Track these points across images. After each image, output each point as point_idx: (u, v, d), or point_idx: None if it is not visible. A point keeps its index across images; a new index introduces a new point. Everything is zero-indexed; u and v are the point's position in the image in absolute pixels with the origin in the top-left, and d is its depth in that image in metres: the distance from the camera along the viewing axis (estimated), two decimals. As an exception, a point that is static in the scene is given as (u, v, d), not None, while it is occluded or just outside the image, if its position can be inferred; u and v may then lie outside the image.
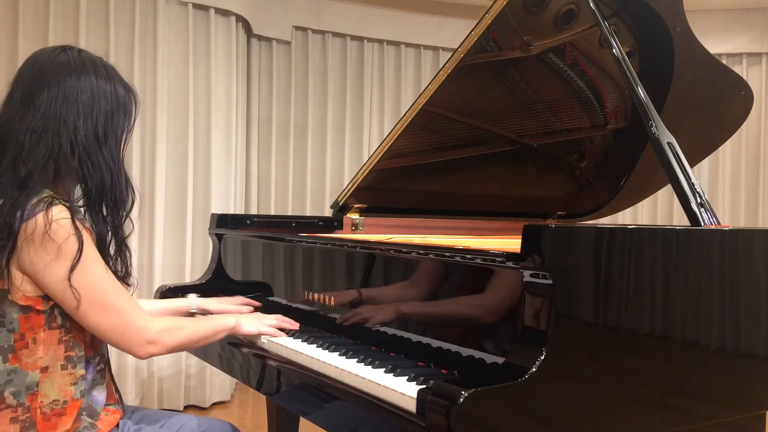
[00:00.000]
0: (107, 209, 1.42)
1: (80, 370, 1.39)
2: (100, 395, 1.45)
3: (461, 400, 1.07)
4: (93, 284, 1.35)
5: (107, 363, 1.50)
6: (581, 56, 2.24)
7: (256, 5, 4.18)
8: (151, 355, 1.45)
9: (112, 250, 1.45)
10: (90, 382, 1.42)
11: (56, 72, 1.38)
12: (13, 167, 1.34)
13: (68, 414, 1.37)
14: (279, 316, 1.80)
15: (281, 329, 1.77)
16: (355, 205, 2.41)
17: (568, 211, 2.81)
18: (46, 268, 1.31)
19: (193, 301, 1.93)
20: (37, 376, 1.35)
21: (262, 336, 1.75)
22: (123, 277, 1.46)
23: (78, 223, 1.34)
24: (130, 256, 1.50)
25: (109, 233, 1.43)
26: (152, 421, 1.58)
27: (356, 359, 1.47)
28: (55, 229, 1.30)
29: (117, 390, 1.52)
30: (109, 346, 1.49)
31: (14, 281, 1.31)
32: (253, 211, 4.33)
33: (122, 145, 1.47)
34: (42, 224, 1.29)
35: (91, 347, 1.43)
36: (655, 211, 4.95)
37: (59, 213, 1.32)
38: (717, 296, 1.44)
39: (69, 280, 1.31)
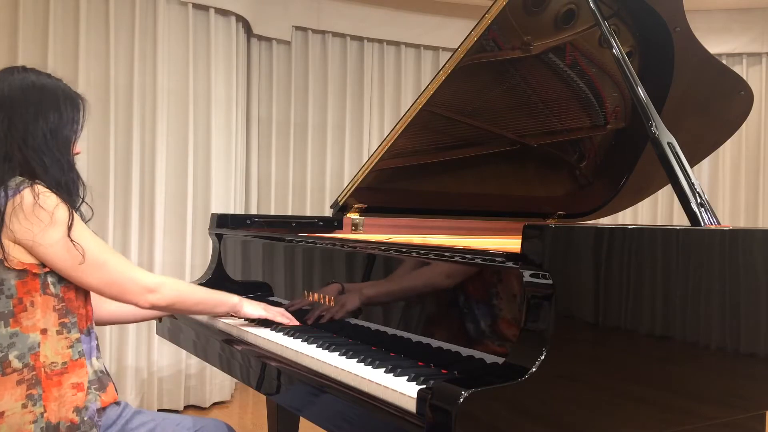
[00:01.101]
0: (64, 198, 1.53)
1: (75, 334, 1.48)
2: (102, 366, 1.54)
3: (461, 400, 1.07)
4: (86, 244, 1.47)
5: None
6: (581, 56, 2.24)
7: (256, 5, 4.17)
8: (153, 305, 1.56)
9: None
10: (92, 350, 1.51)
11: (2, 90, 1.49)
12: None
13: (70, 371, 1.45)
14: (281, 310, 1.86)
15: (279, 323, 1.83)
16: (355, 205, 2.41)
17: (568, 211, 2.81)
18: (41, 233, 1.42)
19: None
20: (38, 338, 1.43)
21: (262, 334, 1.75)
22: None
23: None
24: None
25: None
26: (148, 420, 1.59)
27: (356, 359, 1.47)
28: (44, 199, 1.43)
29: (108, 373, 1.57)
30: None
31: (9, 251, 1.42)
32: (253, 211, 4.33)
33: (72, 145, 1.58)
34: (31, 197, 1.42)
35: (85, 319, 1.52)
36: (655, 211, 4.94)
37: (43, 188, 1.45)
38: (717, 296, 1.44)
39: (69, 239, 1.43)
